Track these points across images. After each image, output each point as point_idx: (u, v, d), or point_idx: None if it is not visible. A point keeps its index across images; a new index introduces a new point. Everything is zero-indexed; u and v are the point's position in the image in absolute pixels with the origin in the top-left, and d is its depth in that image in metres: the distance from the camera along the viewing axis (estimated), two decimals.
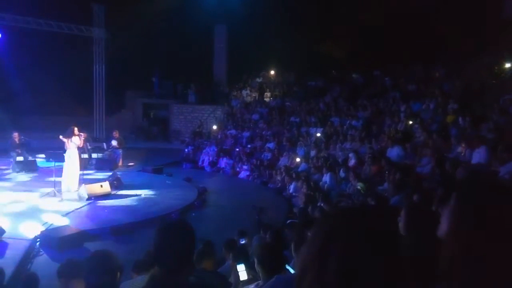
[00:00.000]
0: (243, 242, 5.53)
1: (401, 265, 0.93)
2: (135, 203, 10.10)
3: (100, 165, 14.62)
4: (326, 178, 10.59)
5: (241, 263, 3.55)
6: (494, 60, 15.22)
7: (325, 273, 0.90)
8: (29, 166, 13.76)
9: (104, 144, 16.40)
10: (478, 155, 8.25)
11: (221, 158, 16.13)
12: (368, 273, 0.89)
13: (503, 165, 7.43)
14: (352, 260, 0.90)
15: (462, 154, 8.76)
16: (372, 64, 19.51)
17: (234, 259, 4.02)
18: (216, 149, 16.74)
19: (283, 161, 13.82)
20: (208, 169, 16.18)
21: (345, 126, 14.32)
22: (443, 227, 1.23)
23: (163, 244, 1.92)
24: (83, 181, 10.87)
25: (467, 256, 1.08)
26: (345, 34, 21.21)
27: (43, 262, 6.54)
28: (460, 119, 10.94)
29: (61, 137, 10.67)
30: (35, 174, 13.22)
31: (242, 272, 3.45)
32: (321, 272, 0.91)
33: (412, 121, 12.38)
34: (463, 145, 8.92)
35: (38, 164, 14.02)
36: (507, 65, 14.26)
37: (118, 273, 2.58)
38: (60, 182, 10.47)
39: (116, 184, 11.33)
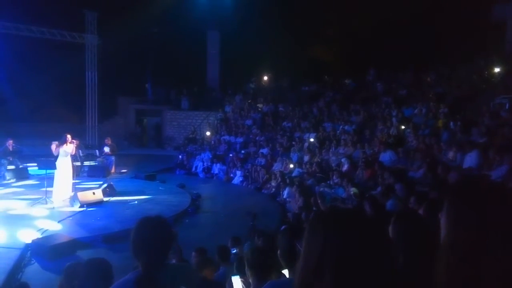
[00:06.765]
0: (234, 251, 5.45)
1: (392, 266, 0.93)
2: (128, 211, 10.00)
3: (92, 172, 14.54)
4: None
5: (236, 275, 3.53)
6: (485, 64, 15.39)
7: (323, 275, 0.90)
8: (20, 174, 13.64)
9: (97, 151, 16.31)
10: (470, 159, 8.30)
11: (214, 164, 16.12)
12: (363, 272, 0.89)
13: (495, 169, 7.48)
14: (348, 259, 0.92)
15: (453, 159, 8.82)
16: (364, 69, 19.65)
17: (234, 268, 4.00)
18: (210, 155, 16.73)
19: (277, 167, 13.83)
20: (201, 175, 16.15)
21: (338, 131, 14.38)
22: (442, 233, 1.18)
23: (139, 239, 1.96)
24: (75, 188, 10.79)
25: (463, 262, 1.05)
26: (338, 40, 21.38)
27: (34, 271, 6.44)
28: (451, 123, 11.03)
29: (61, 148, 10.32)
30: (26, 182, 13.08)
31: (237, 284, 3.42)
32: (319, 273, 0.91)
33: (404, 125, 12.46)
34: (454, 149, 8.99)
35: (30, 172, 13.88)
36: (497, 69, 14.41)
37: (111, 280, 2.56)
38: (52, 190, 10.34)
39: (109, 191, 11.25)
